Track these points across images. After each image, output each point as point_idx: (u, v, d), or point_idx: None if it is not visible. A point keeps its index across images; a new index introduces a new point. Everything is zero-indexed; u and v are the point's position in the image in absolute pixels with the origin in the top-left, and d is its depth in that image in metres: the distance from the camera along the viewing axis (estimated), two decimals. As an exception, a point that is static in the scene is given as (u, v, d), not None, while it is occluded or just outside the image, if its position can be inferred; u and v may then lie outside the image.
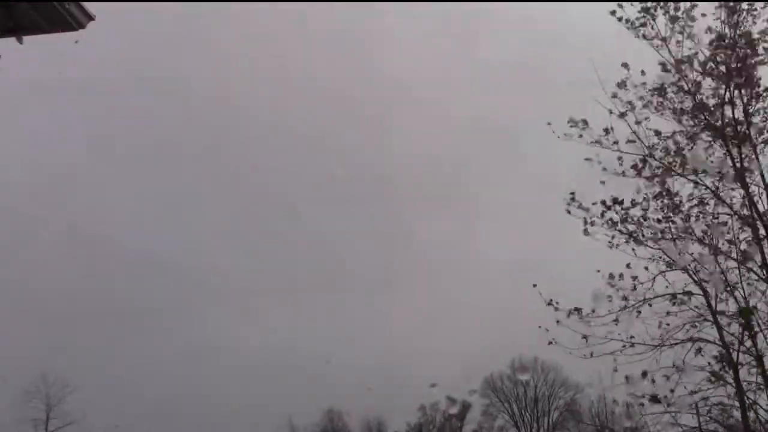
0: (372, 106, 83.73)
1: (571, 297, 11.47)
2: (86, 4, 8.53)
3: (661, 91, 11.40)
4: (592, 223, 11.56)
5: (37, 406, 47.69)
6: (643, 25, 11.38)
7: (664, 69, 11.30)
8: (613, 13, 11.46)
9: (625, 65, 11.31)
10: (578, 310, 11.06)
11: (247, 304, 69.80)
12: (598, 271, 11.33)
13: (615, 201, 11.44)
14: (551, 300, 11.16)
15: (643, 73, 11.45)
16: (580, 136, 11.56)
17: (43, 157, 66.66)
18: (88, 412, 44.69)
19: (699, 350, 11.09)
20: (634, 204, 11.42)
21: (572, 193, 11.63)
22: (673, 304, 11.22)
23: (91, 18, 8.57)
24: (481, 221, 78.36)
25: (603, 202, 11.47)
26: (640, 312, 11.25)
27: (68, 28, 8.51)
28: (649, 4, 11.34)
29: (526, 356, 61.27)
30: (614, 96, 11.42)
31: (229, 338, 64.91)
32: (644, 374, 10.76)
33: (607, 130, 11.46)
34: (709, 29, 10.93)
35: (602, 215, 11.51)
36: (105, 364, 53.76)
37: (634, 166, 11.41)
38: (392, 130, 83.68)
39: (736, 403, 11.09)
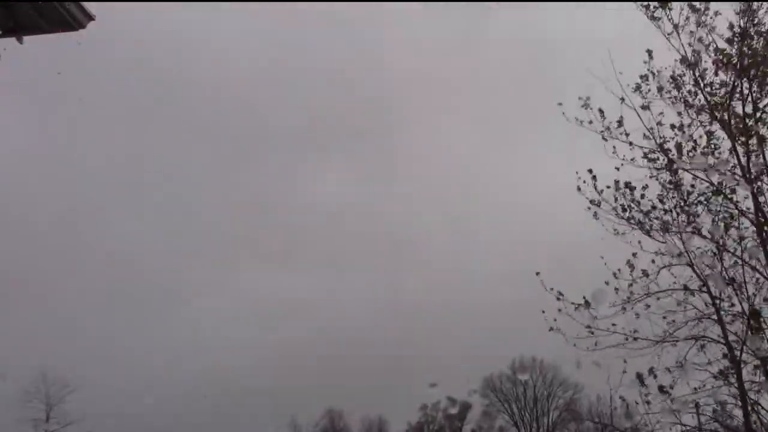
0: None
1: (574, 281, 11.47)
2: (86, 4, 8.50)
3: (675, 80, 11.33)
4: (599, 204, 11.50)
5: (37, 406, 47.60)
6: (663, 6, 11.25)
7: (680, 60, 11.31)
8: None
9: (649, 52, 11.23)
10: (587, 303, 11.00)
11: (246, 302, 69.78)
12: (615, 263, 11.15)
13: (627, 185, 11.36)
14: (560, 294, 11.13)
15: (650, 55, 11.37)
16: (591, 122, 11.50)
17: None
18: (88, 412, 44.62)
19: (702, 347, 11.06)
20: (644, 190, 11.33)
21: (590, 170, 11.52)
22: (678, 303, 11.18)
23: (91, 18, 8.58)
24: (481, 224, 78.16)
25: (616, 182, 11.39)
26: (648, 306, 11.19)
27: (68, 28, 8.52)
28: None
29: (526, 356, 61.47)
30: (637, 88, 11.35)
31: (229, 337, 64.93)
32: (651, 371, 10.74)
33: (620, 122, 11.41)
34: (731, 25, 10.91)
35: (615, 200, 11.42)
36: (104, 364, 53.70)
37: (646, 155, 11.35)
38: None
39: (738, 403, 11.04)
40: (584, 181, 11.58)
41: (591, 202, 11.55)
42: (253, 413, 57.24)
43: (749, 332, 10.57)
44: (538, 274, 11.26)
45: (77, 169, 71.23)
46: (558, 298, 11.14)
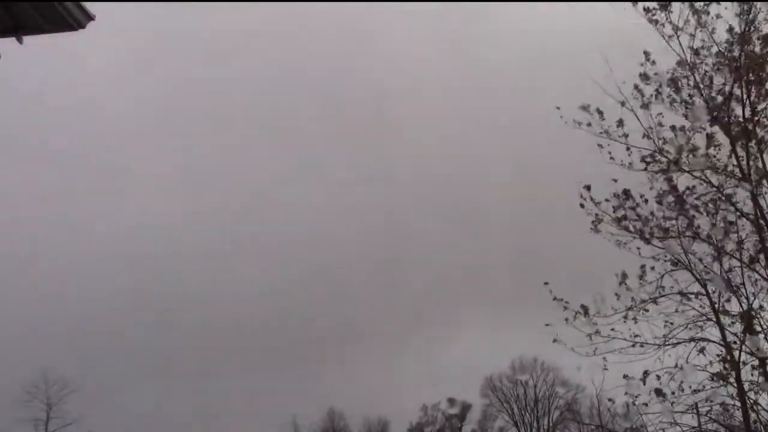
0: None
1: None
2: (86, 4, 8.50)
3: (674, 83, 11.29)
4: (601, 220, 11.46)
5: (37, 406, 47.69)
6: (664, 8, 11.25)
7: (679, 63, 11.28)
8: None
9: (646, 54, 11.19)
10: (585, 310, 11.02)
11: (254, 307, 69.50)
12: (616, 274, 11.27)
13: (625, 193, 11.31)
14: (562, 299, 11.21)
15: (653, 62, 11.34)
16: (589, 124, 11.43)
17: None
18: (88, 412, 44.69)
19: (702, 350, 11.07)
20: (643, 199, 11.29)
21: (587, 186, 11.46)
22: (677, 308, 11.20)
23: (91, 18, 8.54)
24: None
25: (616, 195, 11.34)
26: (647, 311, 11.23)
27: (68, 28, 8.50)
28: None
29: (526, 356, 61.49)
30: (636, 88, 11.30)
31: (228, 337, 64.91)
32: (646, 374, 10.73)
33: (620, 122, 11.33)
34: (730, 28, 10.89)
35: (614, 210, 11.37)
36: (105, 365, 53.75)
37: (643, 159, 11.32)
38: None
39: (738, 404, 11.06)
40: (583, 197, 11.53)
41: (593, 221, 11.54)
42: (253, 413, 57.28)
43: (747, 333, 10.61)
44: (546, 284, 11.32)
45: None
46: (564, 308, 11.16)
